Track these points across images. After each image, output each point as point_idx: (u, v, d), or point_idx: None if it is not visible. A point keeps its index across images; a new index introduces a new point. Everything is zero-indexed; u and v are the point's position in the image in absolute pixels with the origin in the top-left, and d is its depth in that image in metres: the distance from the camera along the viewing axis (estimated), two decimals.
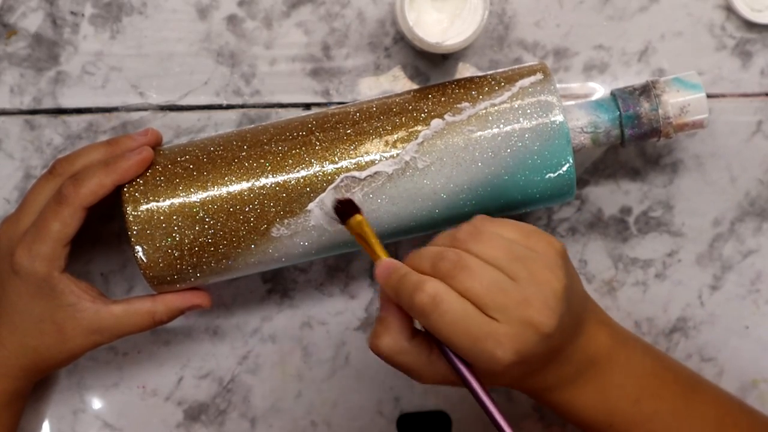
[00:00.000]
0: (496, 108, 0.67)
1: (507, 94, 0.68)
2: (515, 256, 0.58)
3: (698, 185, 0.78)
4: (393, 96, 0.70)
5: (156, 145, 0.70)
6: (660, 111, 0.69)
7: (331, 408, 0.78)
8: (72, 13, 0.74)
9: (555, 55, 0.76)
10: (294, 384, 0.78)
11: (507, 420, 0.59)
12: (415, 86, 0.76)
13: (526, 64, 0.70)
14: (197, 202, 0.66)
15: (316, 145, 0.67)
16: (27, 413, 0.75)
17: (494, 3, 0.75)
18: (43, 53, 0.74)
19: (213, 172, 0.67)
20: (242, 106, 0.75)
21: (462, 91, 0.68)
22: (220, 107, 0.76)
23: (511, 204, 0.68)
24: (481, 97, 0.68)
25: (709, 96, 0.71)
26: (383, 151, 0.67)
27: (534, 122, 0.67)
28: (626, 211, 0.78)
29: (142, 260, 0.66)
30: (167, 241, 0.66)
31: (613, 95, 0.70)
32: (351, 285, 0.78)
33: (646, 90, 0.69)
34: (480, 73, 0.72)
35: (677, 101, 0.69)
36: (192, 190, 0.67)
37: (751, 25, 0.76)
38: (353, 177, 0.66)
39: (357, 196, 0.66)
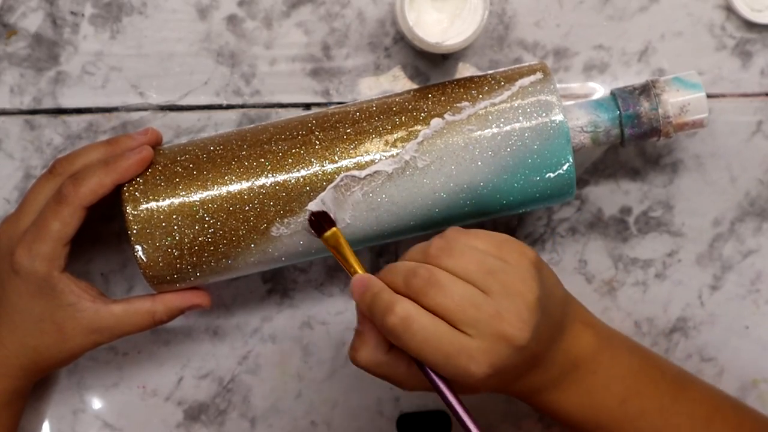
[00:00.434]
0: (495, 107, 0.67)
1: (507, 94, 0.68)
2: (487, 270, 0.58)
3: (698, 185, 0.78)
4: (393, 95, 0.70)
5: (156, 144, 0.70)
6: (660, 110, 0.69)
7: (331, 408, 0.78)
8: (72, 13, 0.74)
9: (555, 55, 0.76)
10: (294, 384, 0.78)
11: None
12: (415, 86, 0.76)
13: (526, 64, 0.70)
14: (197, 201, 0.67)
15: (316, 144, 0.67)
16: (27, 413, 0.75)
17: (494, 3, 0.75)
18: (43, 53, 0.74)
19: (213, 171, 0.67)
20: (242, 106, 0.75)
21: (462, 90, 0.68)
22: (220, 107, 0.76)
23: (510, 203, 0.68)
24: (480, 96, 0.68)
25: (709, 96, 0.71)
26: (383, 151, 0.67)
27: (534, 121, 0.67)
28: (626, 211, 0.78)
29: (142, 260, 0.66)
30: (167, 240, 0.66)
31: (613, 95, 0.70)
32: None
33: (646, 89, 0.69)
34: (480, 73, 0.72)
35: (677, 100, 0.69)
36: (192, 189, 0.67)
37: (751, 25, 0.76)
38: (353, 176, 0.66)
39: (357, 195, 0.66)
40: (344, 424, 0.78)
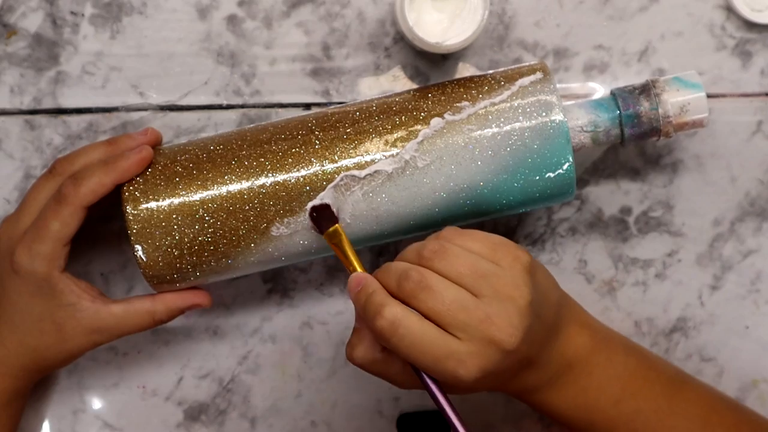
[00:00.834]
0: (495, 107, 0.67)
1: (507, 93, 0.68)
2: (480, 273, 0.59)
3: (698, 185, 0.78)
4: (393, 95, 0.70)
5: (156, 144, 0.70)
6: (660, 110, 0.69)
7: (331, 408, 0.78)
8: (72, 13, 0.74)
9: (555, 55, 0.76)
10: (294, 384, 0.78)
11: None
12: (415, 86, 0.76)
13: (526, 64, 0.70)
14: (197, 201, 0.66)
15: (316, 144, 0.67)
16: (27, 413, 0.75)
17: (494, 3, 0.75)
18: (43, 53, 0.74)
19: (213, 170, 0.67)
20: (242, 106, 0.75)
21: (462, 90, 0.68)
22: (220, 107, 0.76)
23: (510, 203, 0.68)
24: (480, 96, 0.68)
25: (709, 96, 0.71)
26: (383, 150, 0.67)
27: (534, 121, 0.67)
28: (626, 211, 0.78)
29: (142, 259, 0.66)
30: (167, 240, 0.66)
31: (613, 94, 0.70)
32: None
33: (646, 89, 0.69)
34: (480, 73, 0.72)
35: (677, 100, 0.69)
36: (192, 189, 0.67)
37: (751, 25, 0.76)
38: (353, 176, 0.66)
39: (357, 195, 0.67)
40: (344, 424, 0.78)
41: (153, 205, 0.66)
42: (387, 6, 0.75)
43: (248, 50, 0.75)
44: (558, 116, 0.67)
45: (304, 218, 0.67)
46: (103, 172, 0.66)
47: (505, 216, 0.76)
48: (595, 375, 0.65)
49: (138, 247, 0.66)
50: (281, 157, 0.67)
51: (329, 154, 0.67)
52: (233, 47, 0.75)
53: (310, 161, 0.67)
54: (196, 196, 0.67)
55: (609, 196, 0.77)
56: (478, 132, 0.67)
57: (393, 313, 0.58)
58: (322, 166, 0.67)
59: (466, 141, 0.67)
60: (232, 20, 0.75)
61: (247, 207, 0.67)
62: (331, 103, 0.76)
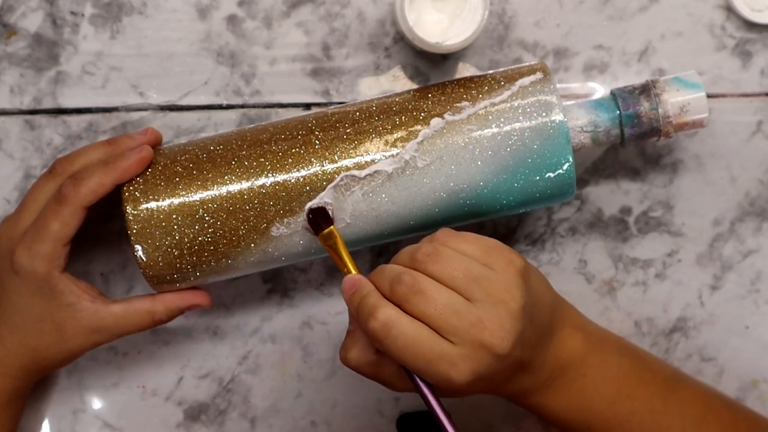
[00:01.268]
0: (495, 107, 0.67)
1: (507, 93, 0.68)
2: (473, 277, 0.59)
3: (698, 185, 0.78)
4: (393, 95, 0.70)
5: (156, 144, 0.70)
6: (660, 110, 0.69)
7: (331, 408, 0.78)
8: (72, 13, 0.74)
9: (555, 55, 0.76)
10: (294, 384, 0.78)
11: None
12: (415, 86, 0.76)
13: (526, 64, 0.70)
14: (197, 201, 0.66)
15: (316, 144, 0.67)
16: (27, 413, 0.75)
17: (494, 3, 0.75)
18: (43, 53, 0.74)
19: (213, 171, 0.67)
20: (242, 106, 0.76)
21: (462, 90, 0.68)
22: (220, 107, 0.76)
23: (510, 203, 0.68)
24: (480, 96, 0.68)
25: (709, 96, 0.71)
26: (383, 150, 0.67)
27: (534, 121, 0.67)
28: (626, 211, 0.78)
29: (142, 259, 0.66)
30: (167, 240, 0.66)
31: (613, 94, 0.70)
32: None
33: (646, 89, 0.69)
34: (480, 73, 0.72)
35: (677, 100, 0.69)
36: (192, 189, 0.67)
37: (751, 25, 0.76)
38: (353, 176, 0.66)
39: (356, 195, 0.67)
40: (344, 424, 0.78)
41: (153, 205, 0.66)
42: (387, 6, 0.75)
43: (248, 50, 0.75)
44: (558, 116, 0.67)
45: (304, 218, 0.67)
46: (103, 172, 0.66)
47: (505, 216, 0.76)
48: (589, 377, 0.65)
49: (138, 247, 0.66)
50: (281, 157, 0.67)
51: (329, 154, 0.67)
52: (233, 47, 0.75)
53: (310, 161, 0.67)
54: (196, 196, 0.67)
55: (609, 196, 0.77)
56: (478, 132, 0.67)
57: (386, 314, 0.58)
58: (322, 166, 0.67)
59: (466, 141, 0.67)
60: (232, 20, 0.75)
61: (247, 207, 0.67)
62: (331, 103, 0.76)
